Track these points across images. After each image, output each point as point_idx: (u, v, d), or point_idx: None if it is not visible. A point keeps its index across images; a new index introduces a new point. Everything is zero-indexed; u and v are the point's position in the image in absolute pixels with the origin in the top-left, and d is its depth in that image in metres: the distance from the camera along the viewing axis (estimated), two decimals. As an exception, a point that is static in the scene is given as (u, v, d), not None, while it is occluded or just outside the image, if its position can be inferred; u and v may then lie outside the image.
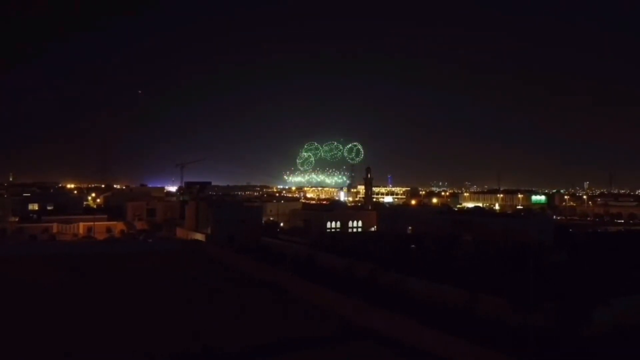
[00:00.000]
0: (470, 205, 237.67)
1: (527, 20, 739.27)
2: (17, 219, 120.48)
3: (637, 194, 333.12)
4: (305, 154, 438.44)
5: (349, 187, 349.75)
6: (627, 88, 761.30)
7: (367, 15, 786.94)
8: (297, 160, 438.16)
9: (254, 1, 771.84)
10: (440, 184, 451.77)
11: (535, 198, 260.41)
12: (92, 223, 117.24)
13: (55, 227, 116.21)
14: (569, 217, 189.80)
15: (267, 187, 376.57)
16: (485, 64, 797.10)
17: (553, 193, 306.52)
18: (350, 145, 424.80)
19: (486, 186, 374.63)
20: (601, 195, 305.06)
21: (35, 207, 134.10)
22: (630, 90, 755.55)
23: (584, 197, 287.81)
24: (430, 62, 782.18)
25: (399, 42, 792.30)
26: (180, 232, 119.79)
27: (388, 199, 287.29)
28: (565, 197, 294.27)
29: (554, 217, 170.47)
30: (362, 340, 40.27)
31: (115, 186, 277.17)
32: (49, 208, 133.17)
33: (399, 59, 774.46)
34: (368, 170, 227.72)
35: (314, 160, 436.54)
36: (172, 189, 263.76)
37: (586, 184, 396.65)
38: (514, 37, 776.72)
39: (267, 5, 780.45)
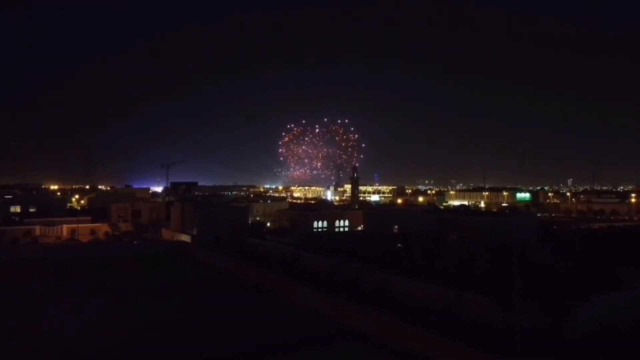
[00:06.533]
0: (456, 203, 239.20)
1: (506, 18, 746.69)
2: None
3: (619, 191, 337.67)
4: None
5: (336, 186, 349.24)
6: (611, 85, 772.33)
7: (356, 13, 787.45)
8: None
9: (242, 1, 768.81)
10: (427, 182, 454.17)
11: (520, 195, 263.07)
12: (75, 225, 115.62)
13: (38, 229, 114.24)
14: (553, 214, 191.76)
15: (254, 187, 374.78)
16: (470, 64, 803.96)
17: (537, 190, 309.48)
18: None
19: (472, 184, 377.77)
20: (584, 192, 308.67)
21: (18, 209, 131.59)
22: (614, 87, 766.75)
23: (568, 194, 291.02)
24: (418, 61, 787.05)
25: (386, 41, 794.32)
26: (166, 234, 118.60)
27: (375, 197, 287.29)
28: (550, 194, 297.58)
29: (538, 214, 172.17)
30: (348, 341, 40.14)
31: (99, 187, 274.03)
32: (31, 210, 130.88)
33: (386, 58, 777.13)
34: (354, 169, 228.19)
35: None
36: (158, 189, 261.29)
37: (570, 181, 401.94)
38: (501, 36, 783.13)
39: (254, 3, 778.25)
